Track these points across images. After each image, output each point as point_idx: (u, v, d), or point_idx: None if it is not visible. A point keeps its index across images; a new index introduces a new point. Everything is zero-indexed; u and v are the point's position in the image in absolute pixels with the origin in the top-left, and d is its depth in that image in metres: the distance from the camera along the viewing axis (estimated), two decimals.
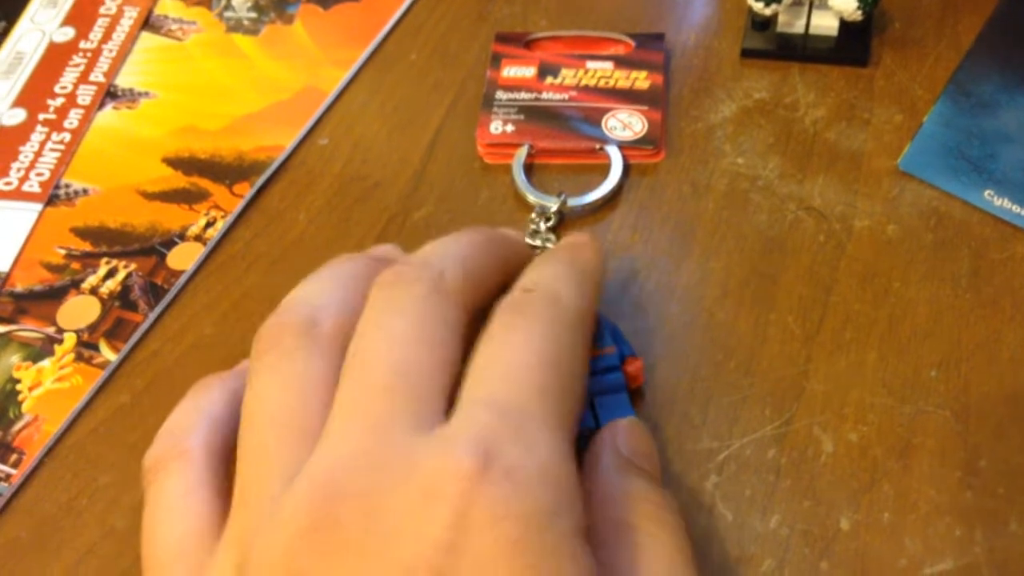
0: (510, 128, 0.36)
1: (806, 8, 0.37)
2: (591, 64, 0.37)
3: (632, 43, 0.38)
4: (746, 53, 0.37)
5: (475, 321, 0.24)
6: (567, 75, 0.37)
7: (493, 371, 0.22)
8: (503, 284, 0.25)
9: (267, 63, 0.40)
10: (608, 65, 0.37)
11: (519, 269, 0.26)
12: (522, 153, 0.35)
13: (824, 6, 0.36)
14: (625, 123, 0.35)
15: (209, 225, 0.35)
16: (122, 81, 0.40)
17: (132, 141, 0.38)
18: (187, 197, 0.36)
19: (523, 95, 0.37)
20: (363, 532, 0.19)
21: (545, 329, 0.23)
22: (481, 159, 0.36)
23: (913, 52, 0.37)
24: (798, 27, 0.37)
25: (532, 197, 0.34)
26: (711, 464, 0.28)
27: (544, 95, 0.36)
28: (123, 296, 0.33)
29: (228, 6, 0.42)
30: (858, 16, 0.35)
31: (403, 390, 0.21)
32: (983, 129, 0.34)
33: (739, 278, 0.31)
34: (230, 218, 0.35)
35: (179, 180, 0.36)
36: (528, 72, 0.37)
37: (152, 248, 0.34)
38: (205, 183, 0.36)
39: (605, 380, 0.28)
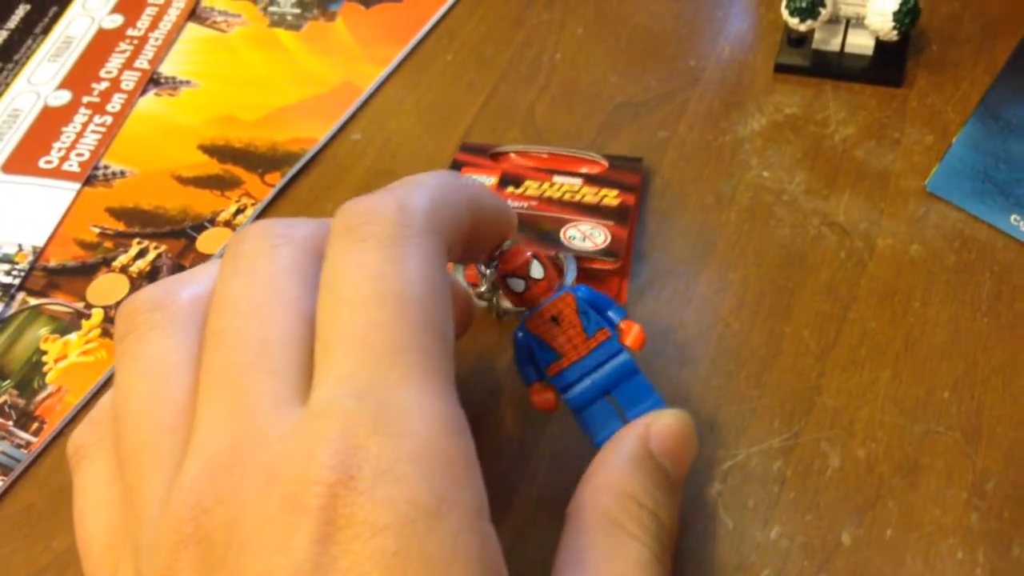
0: None
1: (842, 26, 0.37)
2: (558, 178, 0.34)
3: (605, 163, 0.35)
4: (780, 68, 0.37)
5: None
6: (530, 186, 0.34)
7: (337, 326, 0.19)
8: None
9: (307, 58, 0.41)
10: (577, 181, 0.34)
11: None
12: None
13: (860, 25, 0.36)
14: (586, 234, 0.32)
15: (239, 212, 0.35)
16: (165, 69, 0.41)
17: (171, 127, 0.39)
18: (220, 184, 0.36)
19: None
20: (229, 546, 0.18)
21: (383, 255, 0.20)
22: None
23: (949, 75, 0.37)
24: (833, 45, 0.37)
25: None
26: (715, 472, 0.28)
27: None
28: (152, 276, 0.34)
29: (273, 1, 0.43)
30: (894, 36, 0.35)
31: (260, 366, 0.19)
32: (1011, 153, 0.33)
33: (756, 290, 0.31)
34: (259, 206, 0.35)
35: (213, 167, 0.37)
36: (488, 180, 0.34)
37: (183, 231, 0.35)
38: (238, 171, 0.37)
39: (611, 369, 0.26)
